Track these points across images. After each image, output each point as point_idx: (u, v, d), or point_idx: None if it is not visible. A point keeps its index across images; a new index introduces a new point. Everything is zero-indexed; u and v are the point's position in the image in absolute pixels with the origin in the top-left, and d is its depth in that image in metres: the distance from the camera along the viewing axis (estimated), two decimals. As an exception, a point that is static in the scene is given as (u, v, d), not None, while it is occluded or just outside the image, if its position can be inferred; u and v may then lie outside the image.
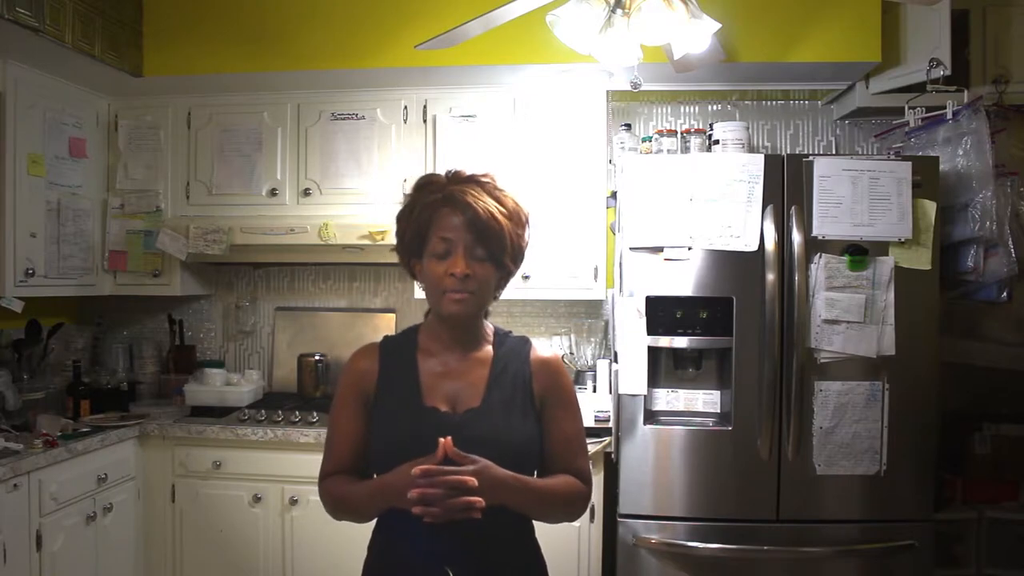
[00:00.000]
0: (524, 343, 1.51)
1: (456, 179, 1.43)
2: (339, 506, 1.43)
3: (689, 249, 2.46)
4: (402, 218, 1.46)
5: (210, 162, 3.22)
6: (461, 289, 1.37)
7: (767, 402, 2.41)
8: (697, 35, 1.83)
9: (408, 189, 1.51)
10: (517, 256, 1.45)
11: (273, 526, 2.86)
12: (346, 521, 1.45)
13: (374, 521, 1.47)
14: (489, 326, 1.52)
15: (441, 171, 1.49)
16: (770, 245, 2.41)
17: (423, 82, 3.05)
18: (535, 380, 1.46)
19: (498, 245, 1.39)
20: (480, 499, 1.24)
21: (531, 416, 1.44)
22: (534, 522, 1.49)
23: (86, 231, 3.13)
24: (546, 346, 1.66)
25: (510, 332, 1.53)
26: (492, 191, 1.42)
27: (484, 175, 1.44)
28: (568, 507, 1.45)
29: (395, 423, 1.40)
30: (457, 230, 1.37)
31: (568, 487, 1.43)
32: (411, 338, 1.50)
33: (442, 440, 1.27)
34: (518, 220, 1.44)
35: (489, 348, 1.48)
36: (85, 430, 2.77)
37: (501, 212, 1.39)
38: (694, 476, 2.49)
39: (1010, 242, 2.50)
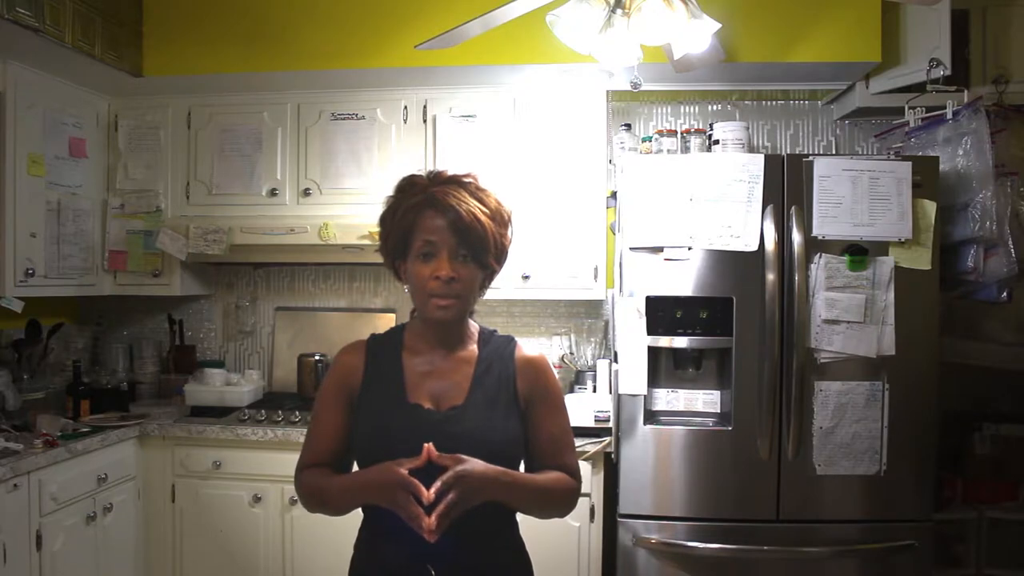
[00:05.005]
0: (509, 342, 1.52)
1: (438, 180, 1.44)
2: (313, 498, 1.45)
3: (689, 249, 2.46)
4: (385, 220, 1.47)
5: (210, 162, 3.22)
6: (446, 294, 1.39)
7: (767, 402, 2.41)
8: (697, 35, 1.83)
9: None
10: (500, 255, 1.47)
11: (273, 526, 2.86)
12: (321, 514, 1.46)
13: (361, 519, 1.48)
14: (474, 325, 1.54)
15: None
16: (770, 245, 2.41)
17: (423, 82, 3.05)
18: (519, 379, 1.47)
19: (482, 246, 1.40)
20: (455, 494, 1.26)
21: (515, 414, 1.45)
22: (525, 520, 1.49)
23: (86, 231, 3.13)
24: (534, 346, 1.67)
25: (495, 331, 1.55)
26: (474, 191, 1.43)
27: (466, 175, 1.45)
28: (558, 501, 1.47)
29: (378, 418, 1.42)
30: (441, 232, 1.38)
31: (557, 481, 1.45)
32: (397, 336, 1.52)
33: (426, 445, 1.29)
34: (500, 220, 1.45)
35: (474, 347, 1.50)
36: (85, 430, 2.77)
37: (484, 212, 1.40)
38: (694, 476, 2.49)
39: (1010, 242, 2.50)
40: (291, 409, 2.98)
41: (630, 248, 2.50)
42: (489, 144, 3.04)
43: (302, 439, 1.52)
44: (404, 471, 1.26)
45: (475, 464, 1.30)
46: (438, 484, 1.25)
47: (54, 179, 2.95)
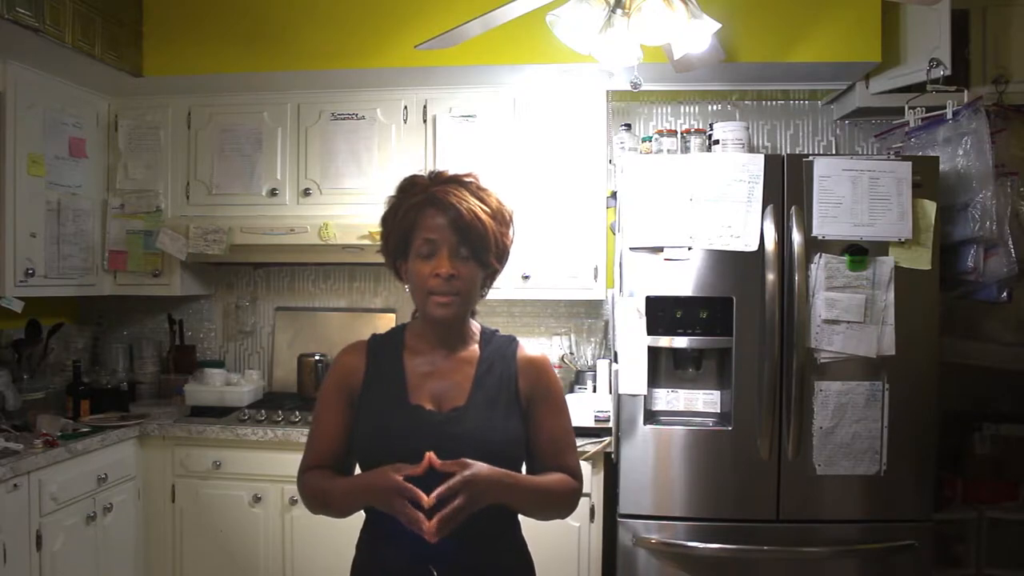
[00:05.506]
0: (510, 342, 1.52)
1: (439, 180, 1.44)
2: (316, 500, 1.44)
3: (689, 249, 2.46)
4: (387, 220, 1.47)
5: (210, 162, 3.22)
6: (446, 291, 1.39)
7: (767, 402, 2.41)
8: (697, 35, 1.83)
9: None
10: (502, 255, 1.46)
11: (273, 526, 2.86)
12: (324, 516, 1.46)
13: (363, 520, 1.48)
14: (476, 325, 1.53)
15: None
16: (770, 245, 2.41)
17: (423, 82, 3.05)
18: (521, 379, 1.47)
19: (482, 245, 1.40)
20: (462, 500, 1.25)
21: (516, 414, 1.45)
22: (525, 521, 1.49)
23: (86, 231, 3.13)
24: (534, 346, 1.67)
25: (497, 331, 1.54)
26: (476, 191, 1.43)
27: (467, 175, 1.45)
28: (560, 502, 1.46)
29: (380, 420, 1.42)
30: (442, 230, 1.38)
31: (559, 483, 1.44)
32: (398, 336, 1.52)
33: (428, 454, 1.28)
34: (502, 219, 1.45)
35: (475, 347, 1.49)
36: (85, 430, 2.77)
37: (485, 211, 1.40)
38: (694, 476, 2.49)
39: (1010, 242, 2.50)
40: (291, 409, 2.98)
41: (630, 248, 2.50)
42: (489, 144, 3.04)
43: (302, 439, 1.52)
44: (400, 478, 1.26)
45: (481, 468, 1.29)
46: (443, 488, 1.24)
47: (54, 179, 2.95)
